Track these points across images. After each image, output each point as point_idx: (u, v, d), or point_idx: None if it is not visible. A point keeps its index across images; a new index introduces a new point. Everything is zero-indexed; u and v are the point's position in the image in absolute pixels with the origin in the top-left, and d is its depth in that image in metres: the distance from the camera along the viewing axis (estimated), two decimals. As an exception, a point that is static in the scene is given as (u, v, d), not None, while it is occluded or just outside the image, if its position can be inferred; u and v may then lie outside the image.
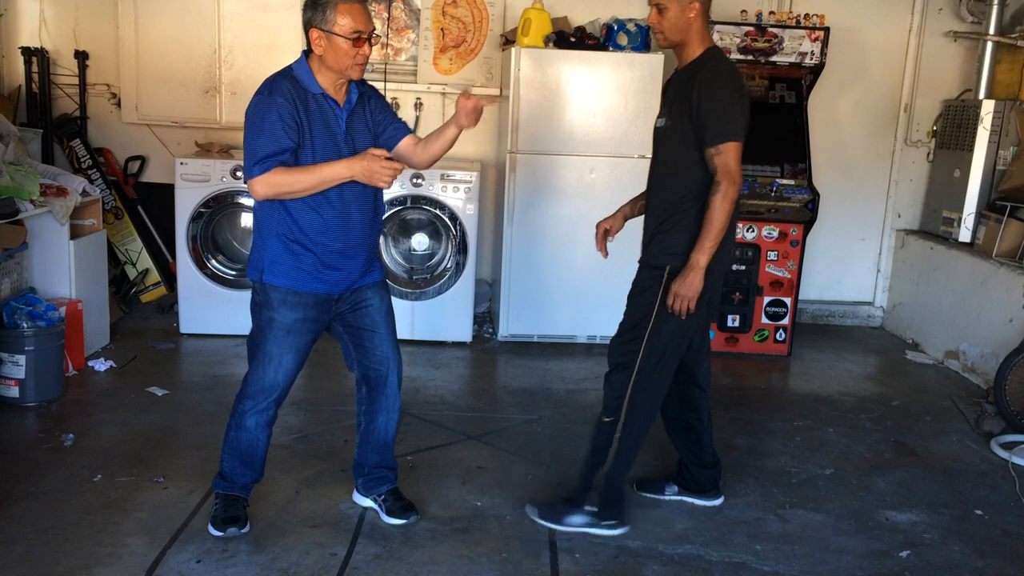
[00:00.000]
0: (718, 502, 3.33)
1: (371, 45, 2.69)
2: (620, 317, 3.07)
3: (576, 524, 3.04)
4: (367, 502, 3.14)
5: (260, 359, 2.85)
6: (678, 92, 2.92)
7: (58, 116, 5.52)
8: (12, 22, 5.50)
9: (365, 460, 3.11)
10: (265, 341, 2.83)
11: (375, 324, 2.94)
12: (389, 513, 3.06)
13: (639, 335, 2.94)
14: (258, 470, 3.00)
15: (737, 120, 2.81)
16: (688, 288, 2.82)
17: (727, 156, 2.77)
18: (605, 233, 3.22)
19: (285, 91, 2.65)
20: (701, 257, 2.80)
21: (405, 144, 2.89)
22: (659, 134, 3.03)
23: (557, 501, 3.14)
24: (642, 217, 3.11)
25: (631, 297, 3.07)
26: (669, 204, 2.93)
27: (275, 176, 2.63)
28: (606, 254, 3.24)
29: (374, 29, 2.69)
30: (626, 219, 3.25)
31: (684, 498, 3.33)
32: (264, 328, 2.83)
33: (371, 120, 2.84)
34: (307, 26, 2.65)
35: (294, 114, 2.64)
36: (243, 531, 2.92)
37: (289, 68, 2.73)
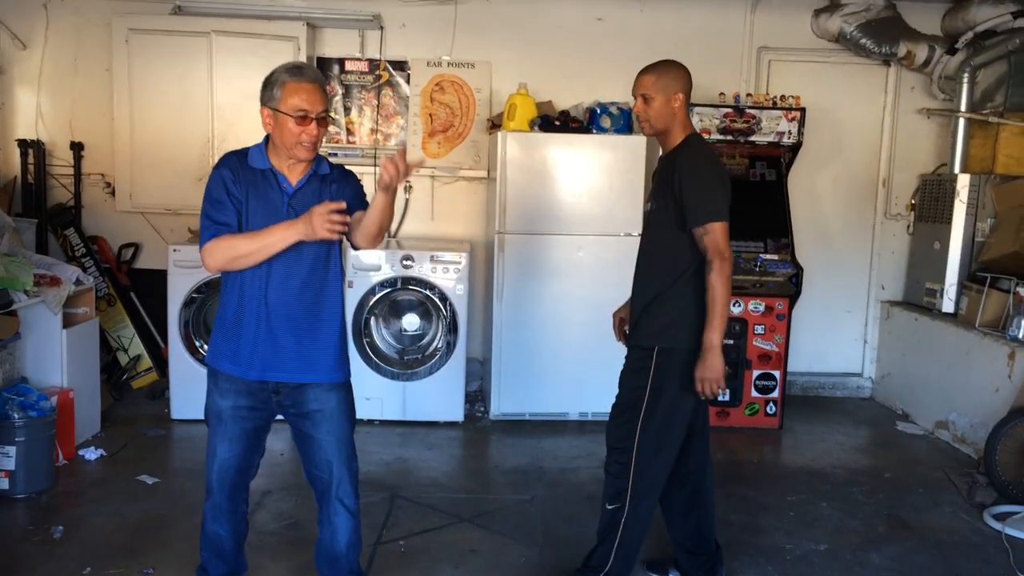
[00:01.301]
0: None
1: (322, 125, 2.64)
2: (612, 394, 3.10)
3: None
4: None
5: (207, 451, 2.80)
6: (663, 177, 3.03)
7: (53, 206, 5.61)
8: (9, 115, 5.63)
9: (319, 568, 2.89)
10: (208, 431, 2.78)
11: (315, 429, 2.73)
12: None
13: (634, 416, 2.97)
14: (231, 563, 2.90)
15: (718, 200, 2.91)
16: (710, 370, 2.85)
17: (715, 234, 2.86)
18: (621, 322, 3.29)
19: (230, 163, 2.67)
20: (714, 336, 2.85)
21: (354, 220, 2.69)
22: (646, 218, 3.15)
23: None
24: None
25: (622, 378, 3.11)
26: (657, 285, 3.00)
27: (220, 242, 2.59)
28: (625, 342, 3.26)
29: (325, 109, 2.64)
30: None
31: None
32: (205, 416, 2.78)
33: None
34: (261, 104, 2.64)
35: (236, 185, 2.64)
36: None
37: (248, 147, 2.74)
